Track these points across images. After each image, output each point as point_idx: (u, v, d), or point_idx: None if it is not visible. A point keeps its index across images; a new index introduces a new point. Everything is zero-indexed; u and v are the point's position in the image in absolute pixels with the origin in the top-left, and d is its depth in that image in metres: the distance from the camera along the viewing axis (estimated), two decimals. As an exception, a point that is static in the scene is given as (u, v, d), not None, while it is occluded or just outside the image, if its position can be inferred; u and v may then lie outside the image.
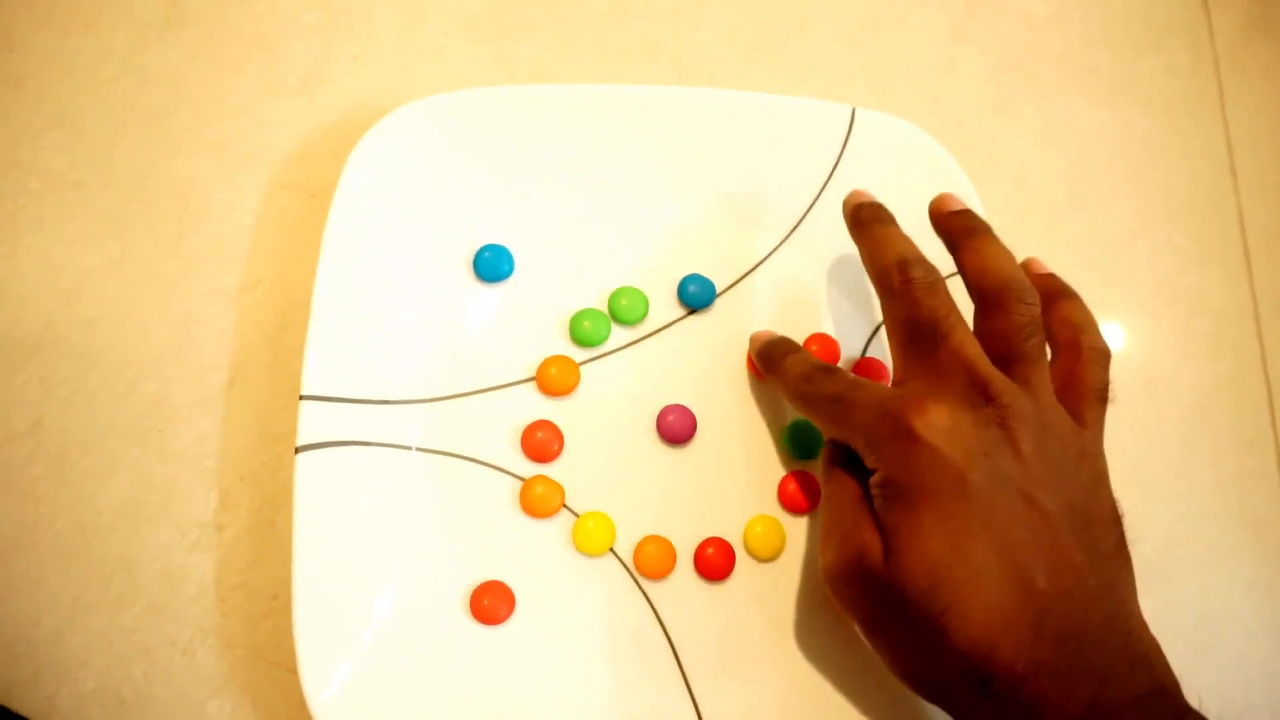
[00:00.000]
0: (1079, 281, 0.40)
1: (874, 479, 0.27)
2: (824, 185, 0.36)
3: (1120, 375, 0.38)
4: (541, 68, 0.40)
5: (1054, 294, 0.31)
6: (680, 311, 0.35)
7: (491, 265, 0.34)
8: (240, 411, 0.34)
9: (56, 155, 0.36)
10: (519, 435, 0.33)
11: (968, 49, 0.43)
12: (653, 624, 0.32)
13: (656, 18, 0.41)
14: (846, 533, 0.27)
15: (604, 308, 0.35)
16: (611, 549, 0.32)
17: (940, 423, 0.25)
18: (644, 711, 0.30)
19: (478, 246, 0.34)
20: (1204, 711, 0.25)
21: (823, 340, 0.35)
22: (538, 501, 0.32)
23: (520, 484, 0.32)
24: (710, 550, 0.32)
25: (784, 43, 0.42)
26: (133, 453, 0.33)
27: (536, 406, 0.33)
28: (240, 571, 0.32)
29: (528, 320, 0.34)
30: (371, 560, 0.30)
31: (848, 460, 0.28)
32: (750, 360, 0.34)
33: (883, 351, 0.35)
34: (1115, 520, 0.27)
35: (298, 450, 0.30)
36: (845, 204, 0.32)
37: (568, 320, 0.34)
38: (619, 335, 0.35)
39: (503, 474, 0.33)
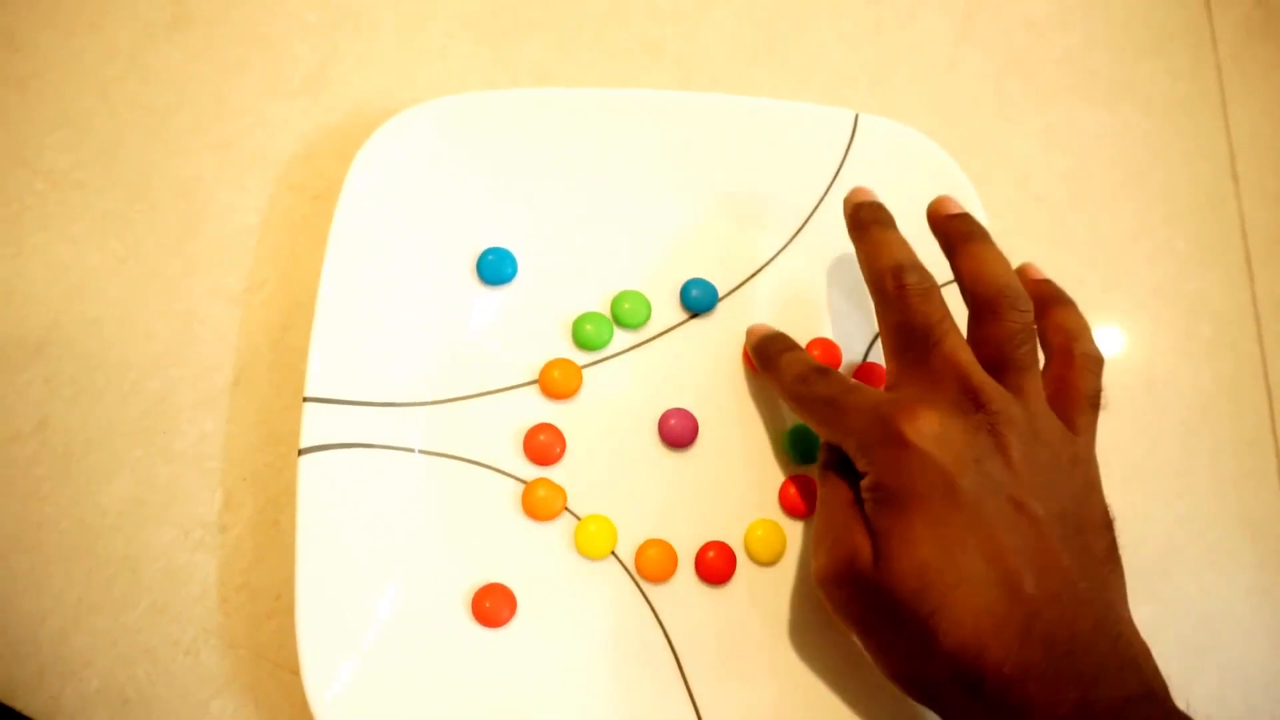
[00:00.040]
0: (1080, 284, 0.40)
1: (864, 482, 0.27)
2: (827, 190, 0.36)
3: (1121, 378, 0.39)
4: (544, 69, 0.40)
5: (1048, 300, 0.31)
6: (682, 315, 0.35)
7: (494, 268, 0.34)
8: (244, 411, 0.34)
9: (61, 155, 0.36)
10: (521, 438, 0.33)
11: (969, 52, 0.43)
12: (654, 627, 0.32)
13: (659, 19, 0.41)
14: (838, 536, 0.27)
15: (606, 311, 0.35)
16: (613, 552, 0.32)
17: (931, 429, 0.26)
18: (644, 714, 0.30)
19: (481, 249, 0.35)
20: (1195, 715, 0.25)
21: (824, 345, 0.35)
22: (540, 504, 0.32)
23: (522, 487, 0.33)
24: (711, 554, 0.32)
25: (786, 45, 0.42)
26: (136, 452, 0.33)
27: (539, 409, 0.34)
28: (243, 572, 0.32)
29: (530, 323, 0.35)
30: (374, 562, 0.31)
31: (841, 464, 0.29)
32: (747, 354, 0.34)
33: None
34: (1106, 525, 0.27)
35: (301, 452, 0.30)
36: (846, 202, 0.32)
37: (570, 323, 0.34)
38: (621, 339, 0.35)
39: (505, 477, 0.33)
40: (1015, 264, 0.33)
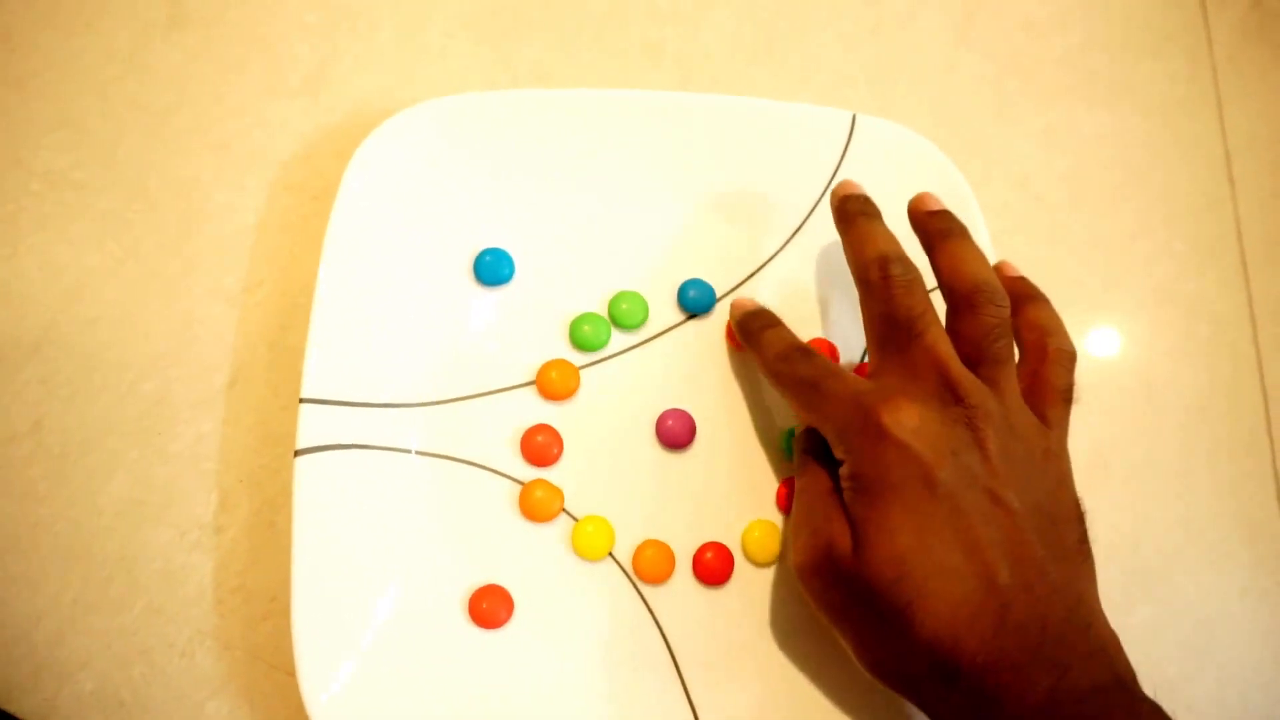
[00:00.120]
0: (1078, 285, 0.40)
1: (843, 471, 0.28)
2: (824, 191, 0.36)
3: (1118, 378, 0.39)
4: (543, 69, 0.40)
5: (1023, 297, 0.31)
6: (680, 316, 0.35)
7: (492, 269, 0.34)
8: (241, 412, 0.34)
9: (58, 155, 0.36)
10: (518, 439, 0.33)
11: (968, 53, 0.43)
12: (651, 628, 0.32)
13: (658, 20, 0.41)
14: (817, 525, 0.28)
15: (604, 312, 0.35)
16: (610, 553, 0.32)
17: (910, 421, 0.26)
18: (642, 716, 0.30)
19: (479, 250, 0.35)
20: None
21: (821, 345, 0.35)
22: (537, 505, 0.32)
23: (519, 488, 0.33)
24: (709, 555, 0.32)
25: (785, 45, 0.42)
26: (133, 453, 0.33)
27: (536, 410, 0.34)
28: (239, 573, 0.32)
29: (528, 324, 0.34)
30: (371, 564, 0.30)
31: (821, 452, 0.29)
32: (730, 329, 0.34)
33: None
34: (1078, 517, 0.28)
35: (297, 453, 0.30)
36: (833, 194, 0.32)
37: (568, 324, 0.34)
38: (619, 339, 0.35)
39: (502, 478, 0.33)
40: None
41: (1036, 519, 0.26)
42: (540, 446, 0.33)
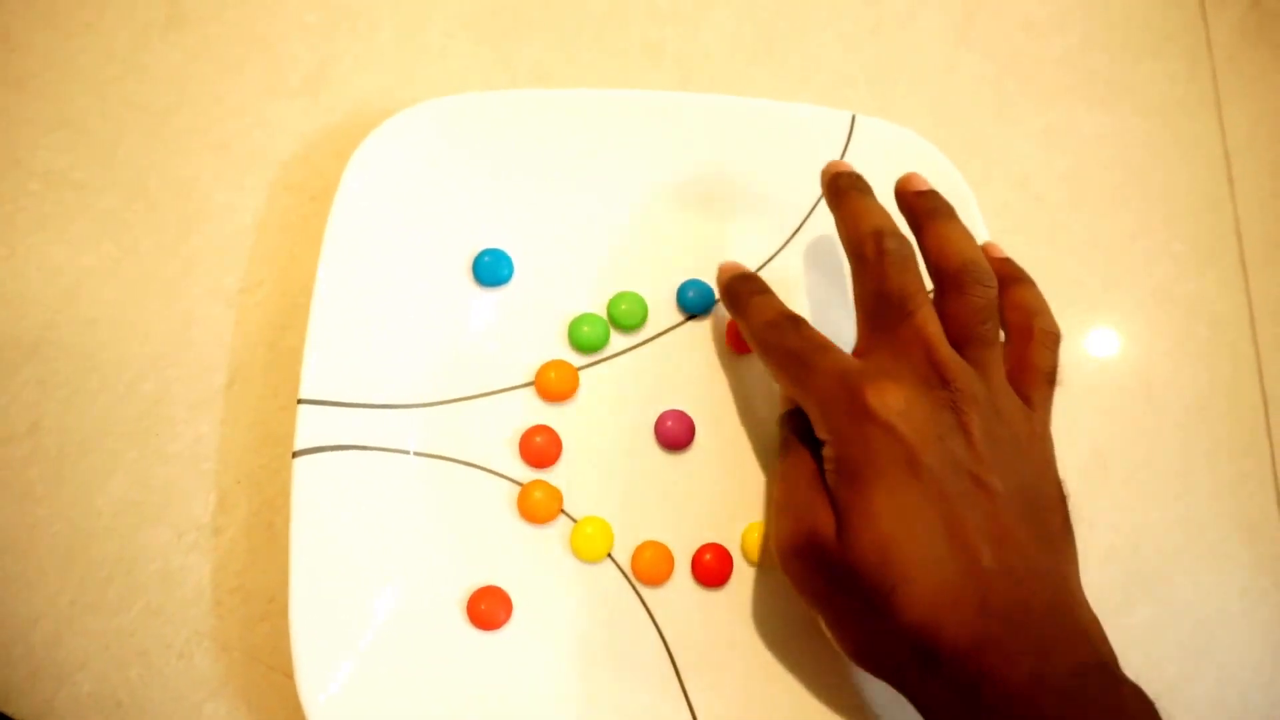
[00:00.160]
0: (1078, 285, 0.40)
1: (826, 452, 0.27)
2: (824, 191, 0.36)
3: (1118, 379, 0.39)
4: (543, 69, 0.40)
5: (1008, 279, 0.31)
6: (679, 317, 0.35)
7: (491, 269, 0.34)
8: (239, 413, 0.34)
9: (57, 155, 0.36)
10: (517, 440, 0.33)
11: (968, 53, 0.43)
12: (650, 630, 0.32)
13: (658, 20, 0.41)
14: (800, 509, 0.28)
15: (603, 313, 0.35)
16: (609, 554, 0.32)
17: (896, 404, 0.26)
18: (640, 718, 0.30)
19: (477, 250, 0.34)
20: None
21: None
22: (536, 507, 0.32)
23: (518, 489, 0.32)
24: (708, 556, 0.32)
25: (785, 45, 0.42)
26: (131, 454, 0.33)
27: (535, 411, 0.33)
28: (237, 574, 0.32)
29: (527, 325, 0.34)
30: (369, 565, 0.30)
31: (805, 433, 0.29)
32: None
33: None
34: (1061, 501, 0.28)
35: (296, 454, 0.30)
36: (823, 173, 0.32)
37: (567, 325, 0.34)
38: (618, 340, 0.35)
39: (501, 479, 0.33)
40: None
41: (1020, 503, 0.26)
42: (539, 447, 0.33)
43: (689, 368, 0.35)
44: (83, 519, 0.32)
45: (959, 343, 0.28)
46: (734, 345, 0.34)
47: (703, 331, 0.35)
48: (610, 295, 0.35)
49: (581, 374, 0.34)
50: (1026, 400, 0.29)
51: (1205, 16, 0.45)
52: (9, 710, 0.30)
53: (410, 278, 0.34)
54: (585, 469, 0.33)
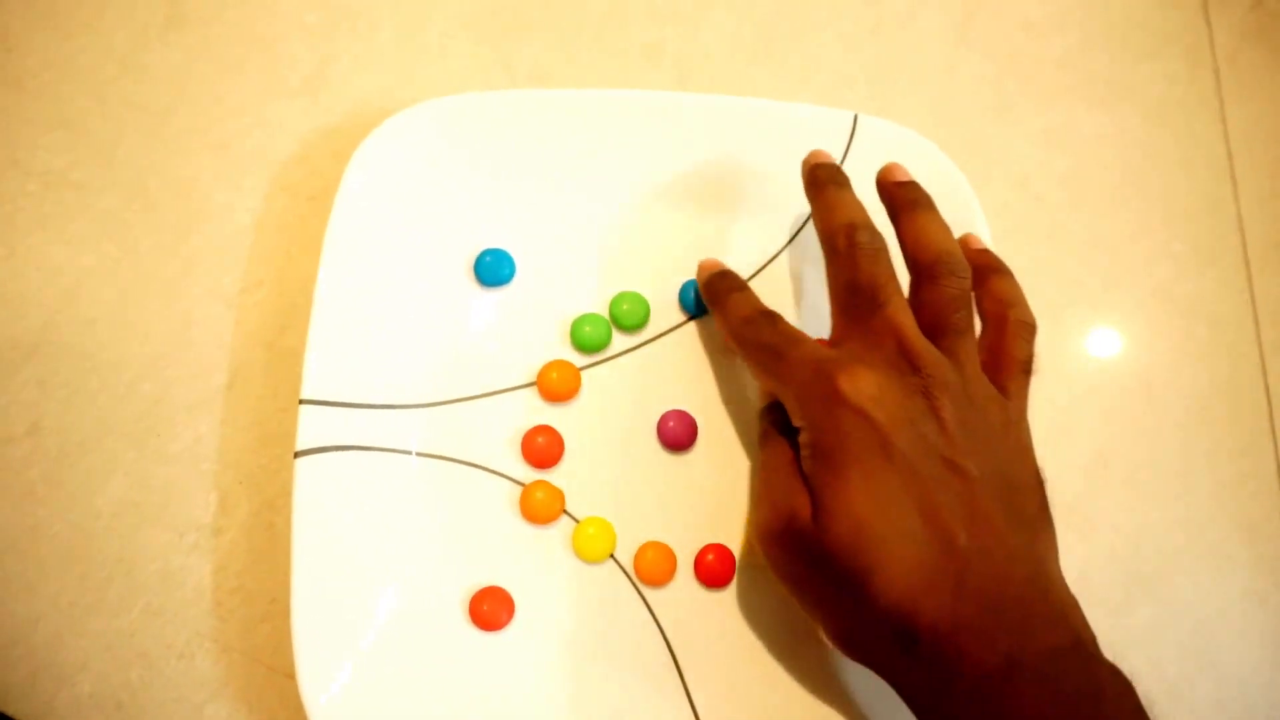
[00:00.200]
0: (1078, 285, 0.40)
1: (802, 439, 0.28)
2: (825, 191, 0.36)
3: (1119, 379, 0.39)
4: (543, 69, 0.40)
5: (986, 269, 0.31)
6: (681, 317, 0.35)
7: (492, 269, 0.34)
8: (239, 413, 0.34)
9: (56, 155, 0.36)
10: (519, 440, 0.33)
11: (968, 53, 0.43)
12: (652, 631, 0.32)
13: (658, 20, 0.41)
14: (777, 496, 0.28)
15: (605, 313, 0.35)
16: (611, 555, 0.32)
17: (868, 389, 0.27)
18: (643, 719, 0.30)
19: (479, 250, 0.34)
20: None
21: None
22: (538, 507, 0.32)
23: (520, 489, 0.32)
24: (710, 557, 0.32)
25: (785, 46, 0.42)
26: (131, 455, 0.33)
27: (537, 411, 0.33)
28: (238, 575, 0.32)
29: (528, 325, 0.34)
30: (370, 565, 0.30)
31: (784, 424, 0.29)
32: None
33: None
34: (1037, 485, 0.28)
35: (297, 455, 0.30)
36: (804, 163, 0.32)
37: (568, 325, 0.34)
38: (620, 340, 0.35)
39: (503, 479, 0.33)
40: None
41: (994, 486, 0.27)
42: (541, 448, 0.33)
43: (691, 368, 0.34)
44: (83, 520, 0.32)
45: (932, 332, 0.28)
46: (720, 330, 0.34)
47: (705, 332, 0.35)
48: (612, 295, 0.35)
49: (583, 374, 0.34)
50: (1002, 389, 0.29)
51: (1207, 16, 0.45)
52: (9, 711, 0.30)
53: (411, 278, 0.33)
54: (587, 469, 0.33)
